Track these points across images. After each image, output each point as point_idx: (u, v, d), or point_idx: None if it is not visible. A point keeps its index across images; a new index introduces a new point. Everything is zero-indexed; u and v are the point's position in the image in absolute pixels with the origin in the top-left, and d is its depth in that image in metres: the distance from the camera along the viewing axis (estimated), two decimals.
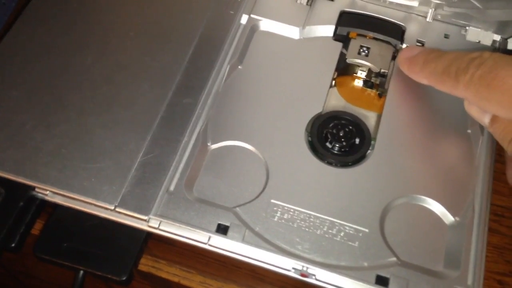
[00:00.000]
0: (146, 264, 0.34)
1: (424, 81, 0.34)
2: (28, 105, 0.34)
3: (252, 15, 0.39)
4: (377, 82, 0.38)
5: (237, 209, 0.32)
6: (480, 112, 0.31)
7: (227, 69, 0.37)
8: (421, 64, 0.33)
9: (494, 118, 0.31)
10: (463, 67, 0.30)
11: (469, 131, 0.35)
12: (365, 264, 0.30)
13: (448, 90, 0.31)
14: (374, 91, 0.38)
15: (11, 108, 0.34)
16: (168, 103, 0.35)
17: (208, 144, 0.34)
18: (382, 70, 0.38)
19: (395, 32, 0.39)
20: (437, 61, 0.32)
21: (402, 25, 0.39)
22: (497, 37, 0.39)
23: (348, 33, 0.39)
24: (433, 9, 0.38)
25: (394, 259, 0.30)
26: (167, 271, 0.34)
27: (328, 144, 0.35)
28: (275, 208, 0.32)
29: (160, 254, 0.34)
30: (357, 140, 0.35)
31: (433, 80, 0.33)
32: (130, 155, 0.33)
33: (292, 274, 0.30)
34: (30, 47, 0.37)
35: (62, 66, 0.36)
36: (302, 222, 0.32)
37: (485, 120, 0.31)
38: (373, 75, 0.38)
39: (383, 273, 0.30)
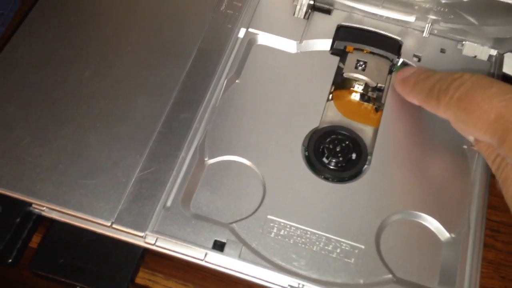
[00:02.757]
0: (143, 278, 0.34)
1: (414, 101, 0.34)
2: (25, 120, 0.34)
3: (249, 29, 0.40)
4: (373, 96, 0.38)
5: (234, 225, 0.32)
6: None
7: (225, 83, 0.37)
8: (412, 84, 0.34)
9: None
10: (444, 88, 0.30)
11: (465, 146, 0.35)
12: (361, 281, 0.30)
13: (432, 110, 0.32)
14: (370, 105, 0.38)
15: (8, 123, 0.34)
16: (165, 118, 0.35)
17: (205, 159, 0.35)
18: (379, 85, 0.38)
19: (392, 46, 0.39)
20: (425, 81, 0.33)
21: (399, 39, 0.39)
22: (494, 52, 0.39)
23: (345, 47, 0.39)
24: (430, 24, 0.39)
25: (390, 276, 0.31)
26: (164, 285, 0.34)
27: (324, 159, 0.35)
28: (271, 224, 0.32)
29: (157, 268, 0.34)
30: (354, 155, 0.35)
31: (421, 100, 0.33)
32: (127, 170, 0.33)
33: None
34: (28, 61, 0.37)
35: (60, 80, 0.36)
36: (299, 239, 0.32)
37: (471, 137, 0.32)
38: (369, 89, 0.38)
39: None
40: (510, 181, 0.28)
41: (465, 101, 0.29)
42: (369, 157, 0.35)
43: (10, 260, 0.31)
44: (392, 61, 0.39)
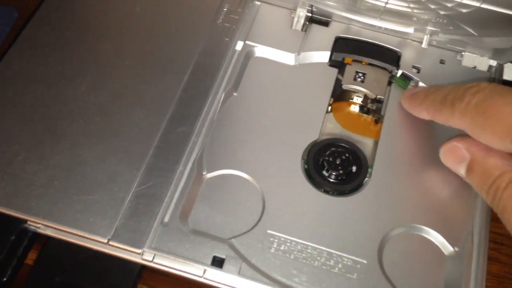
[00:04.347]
0: None
1: (424, 113, 0.34)
2: (20, 136, 0.34)
3: (247, 42, 0.39)
4: (373, 108, 0.38)
5: (233, 240, 0.31)
6: (457, 162, 0.31)
7: (222, 96, 0.37)
8: (422, 97, 0.34)
9: (469, 169, 0.31)
10: (459, 96, 0.30)
11: None
12: None
13: (445, 119, 0.31)
14: (370, 117, 0.38)
15: (3, 139, 0.34)
16: (162, 132, 0.35)
17: (203, 173, 0.34)
18: (378, 96, 0.38)
19: (391, 58, 0.39)
20: (436, 93, 0.32)
21: (397, 50, 0.39)
22: (493, 63, 0.38)
23: (343, 59, 0.39)
24: (429, 36, 0.38)
25: None
26: None
27: (324, 172, 0.35)
28: (271, 239, 0.32)
29: (154, 284, 0.34)
30: (354, 168, 0.35)
31: (432, 110, 0.33)
32: (124, 186, 0.32)
33: None
34: (23, 76, 0.37)
35: (56, 95, 0.36)
36: (299, 254, 0.31)
37: (461, 171, 0.31)
38: (369, 101, 0.38)
39: None
40: (510, 209, 0.27)
41: (483, 106, 0.28)
42: (369, 170, 0.35)
43: (4, 279, 0.31)
44: (391, 72, 0.39)
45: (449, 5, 0.34)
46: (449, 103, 0.31)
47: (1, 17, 0.44)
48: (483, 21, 0.34)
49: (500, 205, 0.28)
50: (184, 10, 0.41)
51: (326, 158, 0.35)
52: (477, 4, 0.33)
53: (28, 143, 0.34)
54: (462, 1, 0.33)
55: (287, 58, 0.39)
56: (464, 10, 0.34)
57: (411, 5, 0.36)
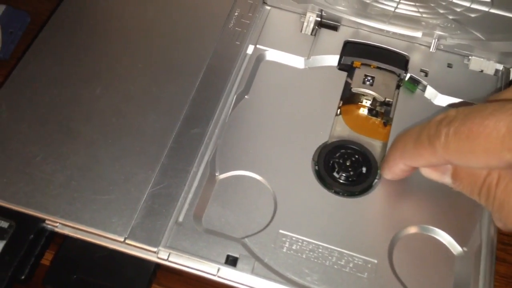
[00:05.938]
0: None
1: (401, 165, 0.31)
2: (37, 137, 0.35)
3: (258, 46, 0.40)
4: (382, 111, 0.39)
5: (246, 240, 0.32)
6: (440, 173, 0.30)
7: (234, 99, 0.38)
8: (393, 153, 0.32)
9: (455, 175, 0.29)
10: (433, 132, 0.27)
11: None
12: None
13: (427, 160, 0.29)
14: (379, 119, 0.39)
15: (21, 140, 0.34)
16: (176, 134, 0.35)
17: (216, 174, 0.35)
18: (387, 99, 0.38)
19: (399, 61, 0.40)
20: (404, 139, 0.30)
21: (405, 54, 0.40)
22: (500, 66, 0.39)
23: (352, 63, 0.40)
24: (436, 40, 0.39)
25: None
26: None
27: (335, 173, 0.35)
28: (283, 239, 0.32)
29: (168, 284, 0.34)
30: (364, 170, 0.35)
31: (409, 157, 0.30)
32: (139, 186, 0.33)
33: None
34: (40, 78, 0.37)
35: (71, 97, 0.37)
36: (311, 253, 0.32)
37: (447, 179, 0.30)
38: (377, 104, 0.39)
39: None
40: (508, 206, 0.26)
41: (465, 130, 0.26)
42: (379, 171, 0.35)
43: (23, 277, 0.31)
44: (399, 76, 0.39)
45: (458, 9, 0.34)
46: (426, 143, 0.28)
47: (14, 21, 0.45)
48: (490, 26, 0.35)
49: (496, 203, 0.26)
50: (197, 15, 0.41)
51: (336, 160, 0.36)
52: (486, 9, 0.33)
53: (46, 144, 0.34)
54: (471, 6, 0.34)
55: (297, 61, 0.40)
56: (472, 15, 0.34)
57: (420, 10, 0.36)
